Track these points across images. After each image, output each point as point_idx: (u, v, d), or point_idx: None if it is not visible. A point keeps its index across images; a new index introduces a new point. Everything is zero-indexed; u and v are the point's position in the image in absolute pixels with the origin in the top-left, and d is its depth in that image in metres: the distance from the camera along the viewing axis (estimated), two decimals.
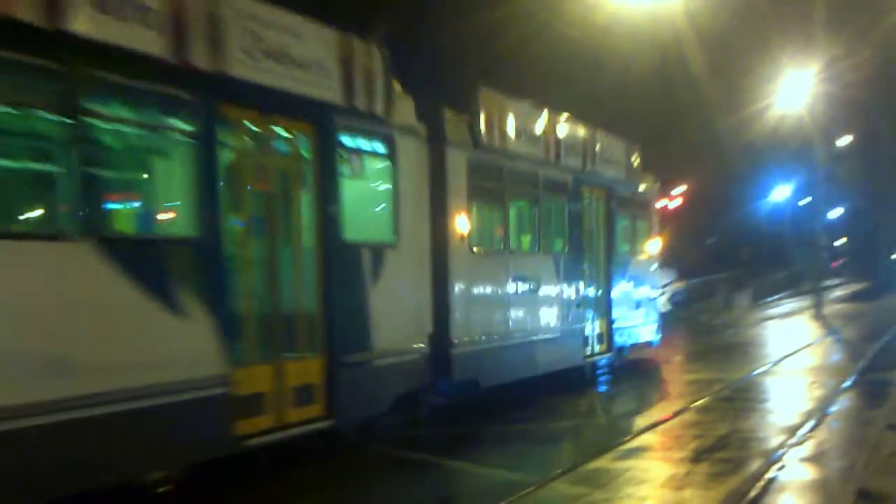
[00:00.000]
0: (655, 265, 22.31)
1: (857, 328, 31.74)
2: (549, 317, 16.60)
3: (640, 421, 13.85)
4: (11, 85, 7.70)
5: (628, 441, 12.08)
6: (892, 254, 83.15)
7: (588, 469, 10.64)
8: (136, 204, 9.74)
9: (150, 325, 8.69)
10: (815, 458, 11.10)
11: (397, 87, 12.32)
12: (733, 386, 17.82)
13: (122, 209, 9.17)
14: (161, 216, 9.97)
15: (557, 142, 16.74)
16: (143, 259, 8.62)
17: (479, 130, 14.28)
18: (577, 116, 16.67)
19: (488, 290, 14.71)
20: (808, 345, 25.98)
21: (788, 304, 47.21)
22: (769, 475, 10.09)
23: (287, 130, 10.74)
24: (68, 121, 7.99)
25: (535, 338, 16.00)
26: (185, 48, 8.89)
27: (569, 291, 17.31)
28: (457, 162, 13.82)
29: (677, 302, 43.54)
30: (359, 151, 11.95)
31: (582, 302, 17.82)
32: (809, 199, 57.34)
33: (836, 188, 67.34)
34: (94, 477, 8.08)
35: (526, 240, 16.59)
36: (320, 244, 10.99)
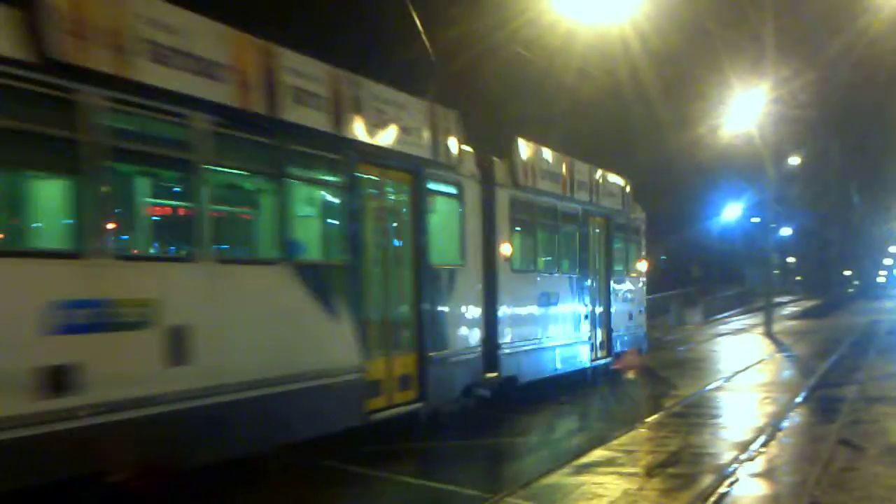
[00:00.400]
0: (643, 281, 25.53)
1: (808, 345, 32.05)
2: (566, 326, 19.77)
3: (593, 437, 13.83)
4: (239, 154, 10.74)
5: (582, 457, 12.06)
6: (843, 270, 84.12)
7: (542, 484, 10.63)
8: (310, 237, 12.37)
9: (320, 324, 11.77)
10: (766, 474, 11.16)
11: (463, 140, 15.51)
12: (685, 402, 17.91)
13: (302, 241, 11.80)
14: (324, 247, 12.89)
15: (572, 180, 20.04)
16: (316, 277, 11.68)
17: (518, 173, 17.57)
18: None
19: (524, 302, 17.87)
20: (760, 361, 26.18)
21: (740, 321, 47.55)
22: (721, 490, 10.14)
23: (394, 179, 13.91)
24: (273, 179, 11.19)
25: (556, 343, 19.20)
26: (340, 124, 12.09)
27: (580, 305, 20.58)
28: (502, 199, 17.08)
29: None
30: (439, 193, 15.04)
31: (590, 314, 21.12)
32: (759, 219, 57.95)
33: (786, 207, 68.07)
34: (295, 432, 11.26)
35: (548, 261, 19.61)
36: (414, 266, 14.15)
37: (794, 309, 66.05)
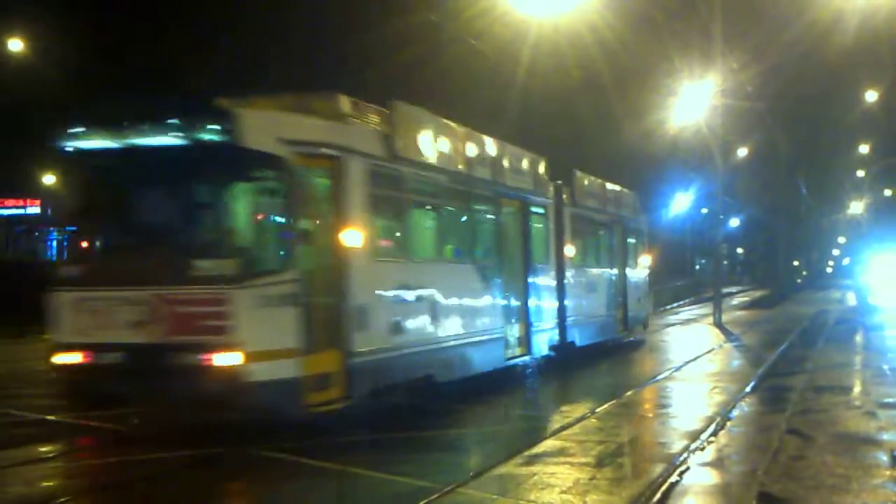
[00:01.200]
0: (647, 272, 32.25)
1: (757, 335, 32.27)
2: (602, 306, 26.14)
3: (545, 426, 13.84)
4: (458, 199, 17.54)
5: (534, 447, 12.05)
6: (792, 261, 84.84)
7: (494, 475, 10.62)
8: (485, 247, 18.74)
9: (486, 302, 18.25)
10: (716, 463, 11.20)
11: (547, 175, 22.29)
12: (635, 392, 17.98)
13: (478, 250, 18.39)
14: (484, 252, 18.66)
15: (605, 197, 26.92)
16: (483, 272, 18.20)
17: (575, 195, 24.01)
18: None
19: (578, 289, 23.96)
20: (709, 351, 26.35)
21: (689, 311, 47.86)
22: (671, 480, 10.16)
23: (513, 206, 20.23)
24: (468, 212, 18.03)
25: (600, 317, 25.91)
26: (498, 174, 19.07)
27: (611, 289, 27.05)
28: (567, 215, 23.30)
29: None
30: (535, 214, 21.53)
31: (615, 295, 27.43)
32: (708, 210, 58.21)
33: (734, 198, 68.53)
34: (482, 366, 17.89)
35: (590, 259, 26.06)
36: (524, 264, 20.49)
37: (743, 299, 66.53)
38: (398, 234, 15.63)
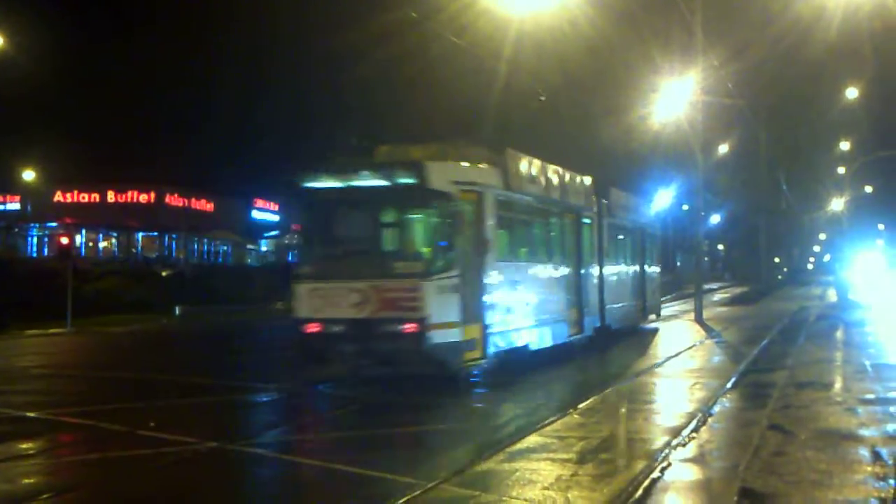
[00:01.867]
0: (659, 269, 37.27)
1: (738, 331, 32.30)
2: (629, 295, 31.34)
3: (527, 422, 13.82)
4: (542, 213, 23.12)
5: (516, 443, 12.04)
6: (773, 257, 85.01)
7: (477, 471, 10.60)
8: (556, 250, 23.97)
9: (561, 294, 23.49)
10: (698, 459, 11.22)
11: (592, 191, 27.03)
12: (617, 388, 17.97)
13: (553, 252, 23.67)
14: (557, 254, 23.99)
15: (632, 207, 32.52)
16: (555, 270, 23.24)
17: (612, 207, 28.95)
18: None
19: (612, 281, 28.70)
20: (691, 347, 26.35)
21: (670, 308, 47.83)
22: (653, 475, 10.16)
23: (570, 218, 24.90)
24: (547, 224, 23.56)
25: (627, 305, 30.93)
26: (564, 193, 23.96)
27: (635, 283, 32.17)
28: (604, 225, 28.05)
29: None
30: (585, 224, 26.06)
31: (637, 288, 32.42)
32: (687, 206, 58.37)
33: (715, 195, 68.64)
34: (552, 341, 22.88)
35: (622, 258, 30.76)
36: (576, 264, 25.00)
37: (724, 295, 66.67)
38: (509, 242, 20.99)
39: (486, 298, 18.66)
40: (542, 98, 36.29)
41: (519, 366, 19.83)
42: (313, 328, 17.90)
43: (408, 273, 17.53)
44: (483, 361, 18.49)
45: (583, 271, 25.51)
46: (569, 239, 24.93)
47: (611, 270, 28.63)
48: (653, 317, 35.16)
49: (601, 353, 24.92)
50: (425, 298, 17.19)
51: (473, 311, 18.18)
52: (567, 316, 24.15)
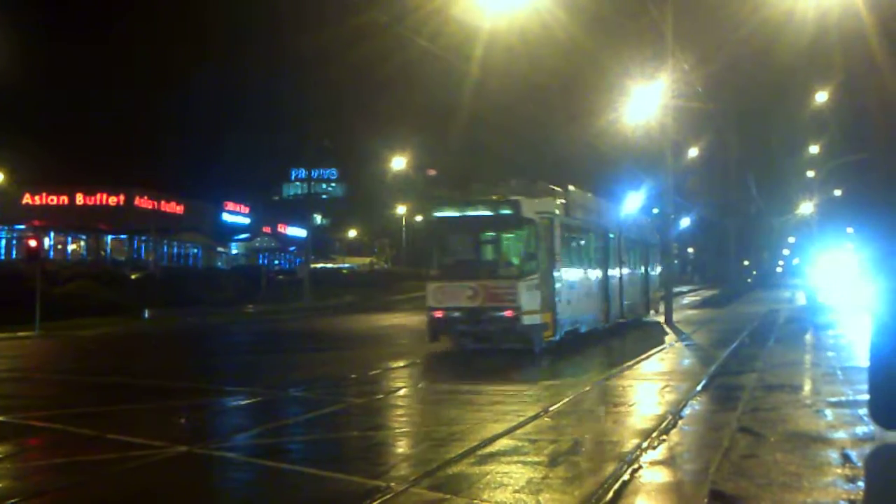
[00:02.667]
0: (658, 273, 43.39)
1: (707, 334, 32.48)
2: (639, 293, 38.29)
3: (498, 426, 13.81)
4: (587, 232, 30.94)
5: (487, 446, 12.03)
6: (742, 260, 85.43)
7: (447, 474, 10.58)
8: (596, 259, 31.30)
9: (598, 291, 31.03)
10: (668, 461, 11.23)
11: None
12: (587, 390, 17.98)
13: (595, 260, 31.09)
14: (598, 262, 31.66)
15: (640, 226, 40.38)
16: (596, 274, 30.97)
17: (629, 227, 36.19)
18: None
19: (629, 283, 35.58)
20: (661, 350, 26.44)
21: None
22: (624, 478, 10.16)
23: (601, 234, 31.92)
24: (589, 240, 31.08)
25: (636, 302, 37.34)
26: (600, 217, 32.33)
27: (643, 284, 39.22)
28: (623, 239, 34.61)
29: None
30: (611, 237, 32.77)
31: (644, 288, 39.51)
32: (657, 210, 58.93)
33: (685, 198, 68.92)
34: (594, 326, 30.38)
35: (634, 264, 37.07)
36: (607, 268, 31.64)
37: (694, 298, 66.91)
38: (567, 254, 27.61)
39: (554, 294, 25.70)
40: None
41: (574, 343, 27.38)
42: (438, 314, 25.70)
43: (506, 275, 25.42)
44: (554, 338, 25.78)
45: (609, 276, 32.47)
46: (601, 251, 32.16)
47: (627, 275, 35.25)
48: (653, 312, 41.18)
49: (619, 338, 31.61)
50: (519, 293, 24.69)
51: (548, 302, 25.43)
52: (601, 308, 31.38)
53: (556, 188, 27.74)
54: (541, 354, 24.82)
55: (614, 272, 33.23)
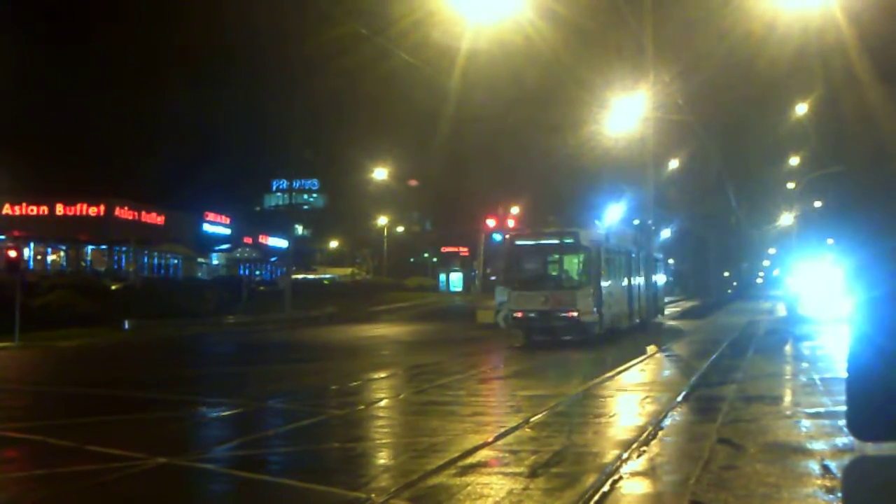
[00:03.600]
0: (663, 282, 53.74)
1: (688, 345, 32.58)
2: (652, 299, 41.75)
3: (478, 437, 13.82)
4: (619, 254, 39.47)
5: (467, 457, 12.03)
6: (723, 272, 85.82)
7: (428, 485, 10.57)
8: (625, 273, 40.02)
9: (626, 298, 39.53)
10: (648, 472, 11.25)
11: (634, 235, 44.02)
12: (568, 401, 18.02)
13: (624, 275, 39.82)
14: (626, 276, 40.50)
15: (652, 244, 43.31)
16: (627, 285, 40.03)
17: (644, 247, 41.38)
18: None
19: (646, 291, 40.67)
20: (641, 360, 26.49)
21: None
22: (604, 489, 10.17)
23: (627, 255, 40.20)
24: (620, 260, 39.28)
25: (649, 307, 41.00)
26: (625, 243, 40.81)
27: (652, 292, 41.95)
28: (641, 257, 41.33)
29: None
30: (633, 258, 41.03)
31: (656, 295, 44.43)
32: (638, 221, 59.37)
33: (666, 209, 69.13)
34: (626, 325, 38.58)
35: (647, 276, 41.12)
36: (631, 279, 40.21)
37: (675, 309, 66.98)
38: (608, 270, 35.50)
39: (601, 300, 33.56)
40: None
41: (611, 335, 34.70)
42: (519, 314, 33.84)
43: (569, 286, 33.56)
44: (601, 333, 33.45)
45: (632, 286, 40.43)
46: (626, 267, 39.99)
47: (643, 285, 41.34)
48: (660, 316, 47.53)
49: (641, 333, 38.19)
50: (578, 299, 32.53)
51: (597, 305, 33.07)
52: (628, 312, 39.01)
53: (601, 224, 43.11)
54: (594, 342, 32.24)
55: (635, 282, 41.28)
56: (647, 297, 41.43)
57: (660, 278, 51.15)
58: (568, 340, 32.67)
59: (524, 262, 35.06)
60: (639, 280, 41.60)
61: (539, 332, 33.85)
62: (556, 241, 34.61)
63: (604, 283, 34.26)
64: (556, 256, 35.02)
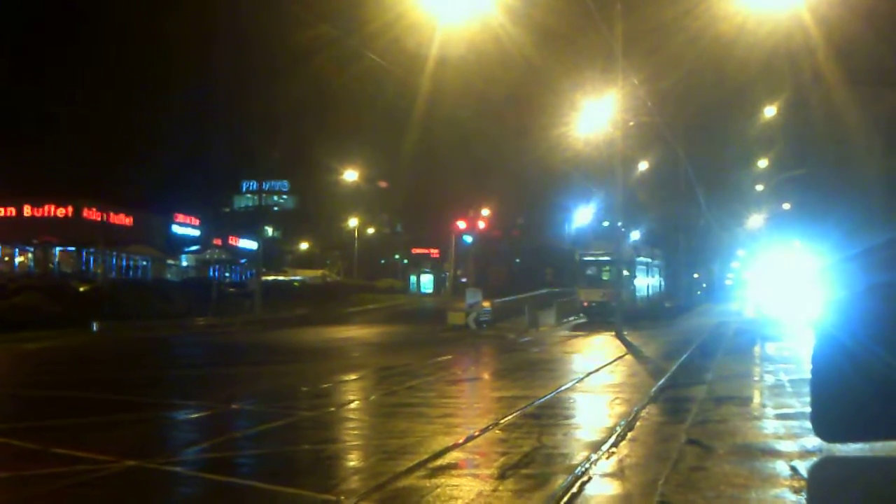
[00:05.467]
0: (663, 284, 65.82)
1: (657, 346, 32.65)
2: (663, 293, 64.23)
3: (448, 439, 13.81)
4: (644, 265, 59.18)
5: (437, 459, 12.02)
6: (692, 273, 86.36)
7: (397, 487, 10.57)
8: (650, 277, 60.57)
9: (650, 294, 60.29)
10: (618, 474, 11.28)
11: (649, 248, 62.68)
12: (539, 403, 18.04)
13: (649, 278, 60.06)
14: (650, 278, 60.62)
15: (654, 255, 62.20)
16: (649, 285, 60.08)
17: (656, 255, 63.16)
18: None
19: (658, 286, 63.28)
20: (611, 362, 26.55)
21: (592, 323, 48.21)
22: (573, 490, 10.19)
23: (647, 264, 59.28)
24: (645, 268, 59.00)
25: (664, 298, 64.21)
26: (645, 253, 60.20)
27: (664, 288, 64.92)
28: (656, 264, 62.59)
29: (483, 321, 44.19)
30: (647, 265, 59.31)
31: (666, 290, 66.10)
32: (607, 223, 60.91)
33: (635, 211, 69.50)
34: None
35: (660, 276, 63.65)
36: (654, 283, 61.51)
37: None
38: (639, 274, 54.98)
39: (636, 294, 52.05)
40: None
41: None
42: (586, 304, 50.71)
43: (616, 285, 43.52)
44: (639, 311, 49.21)
45: (650, 284, 57.42)
46: (647, 270, 56.60)
47: (657, 283, 60.41)
48: (667, 304, 62.94)
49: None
50: (622, 294, 42.97)
51: (634, 298, 50.22)
52: (651, 301, 56.02)
53: (637, 243, 60.10)
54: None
55: (653, 281, 59.80)
56: (661, 291, 63.38)
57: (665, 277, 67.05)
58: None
59: (587, 269, 52.97)
60: (656, 279, 61.87)
61: (597, 315, 47.80)
62: (608, 258, 49.67)
63: (636, 284, 54.11)
64: (607, 266, 50.40)
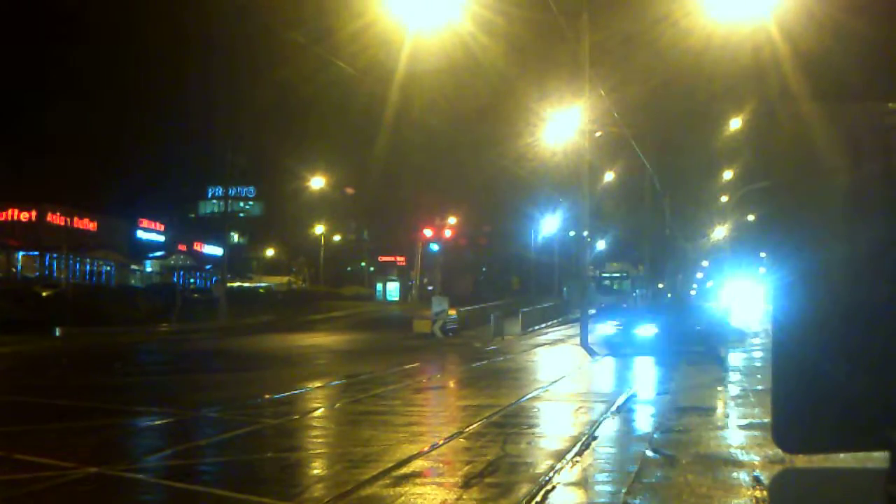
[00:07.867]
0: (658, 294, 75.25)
1: (622, 355, 32.70)
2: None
3: (412, 447, 13.81)
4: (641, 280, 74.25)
5: (401, 467, 12.02)
6: (657, 283, 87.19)
7: (361, 495, 10.55)
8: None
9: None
10: (581, 482, 11.33)
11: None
12: (503, 411, 18.04)
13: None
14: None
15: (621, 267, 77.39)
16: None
17: (637, 269, 76.33)
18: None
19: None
20: (576, 371, 26.60)
21: (557, 332, 48.29)
22: (537, 499, 10.21)
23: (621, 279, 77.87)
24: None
25: None
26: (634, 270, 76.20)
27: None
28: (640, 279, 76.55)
29: (449, 329, 44.21)
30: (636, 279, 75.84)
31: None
32: (574, 232, 60.55)
33: (601, 221, 69.93)
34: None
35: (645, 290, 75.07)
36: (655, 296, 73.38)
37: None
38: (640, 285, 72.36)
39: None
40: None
41: None
42: (602, 306, 55.41)
43: (625, 295, 65.87)
44: None
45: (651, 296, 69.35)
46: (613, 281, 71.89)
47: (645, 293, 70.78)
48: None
49: None
50: (630, 299, 65.90)
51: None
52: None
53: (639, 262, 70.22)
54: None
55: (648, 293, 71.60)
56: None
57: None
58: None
59: (603, 282, 65.05)
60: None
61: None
62: (620, 274, 67.33)
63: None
64: (618, 280, 66.06)
